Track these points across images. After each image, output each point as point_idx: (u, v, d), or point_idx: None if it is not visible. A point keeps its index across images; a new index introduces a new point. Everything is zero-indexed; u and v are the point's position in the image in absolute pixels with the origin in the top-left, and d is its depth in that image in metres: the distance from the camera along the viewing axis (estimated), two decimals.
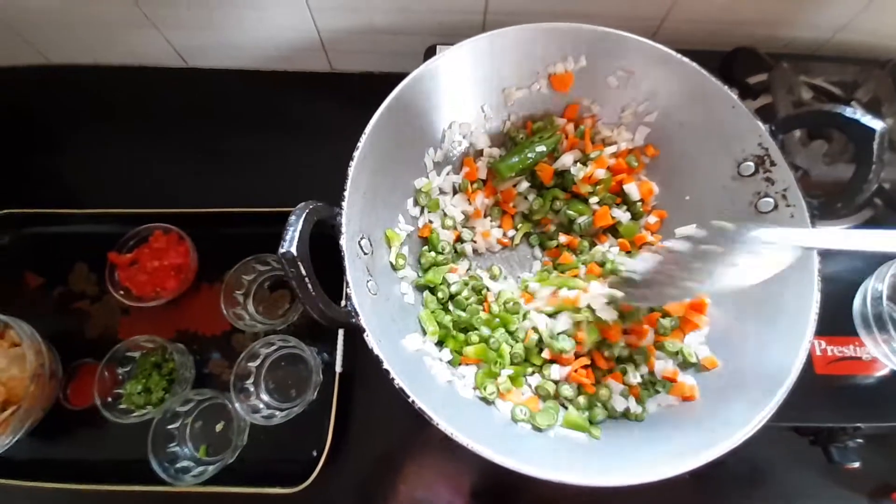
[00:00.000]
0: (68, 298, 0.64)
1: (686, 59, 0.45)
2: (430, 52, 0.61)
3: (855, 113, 0.38)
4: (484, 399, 0.42)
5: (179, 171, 0.72)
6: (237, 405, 0.56)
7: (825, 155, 0.58)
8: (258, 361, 0.61)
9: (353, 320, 0.35)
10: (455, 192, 0.53)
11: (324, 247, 0.36)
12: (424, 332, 0.45)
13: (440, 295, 0.47)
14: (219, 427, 0.59)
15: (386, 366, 0.34)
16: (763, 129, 0.44)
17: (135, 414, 0.57)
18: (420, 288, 0.48)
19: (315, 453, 0.56)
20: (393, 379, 0.34)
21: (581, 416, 0.42)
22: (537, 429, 0.41)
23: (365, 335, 0.35)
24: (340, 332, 0.59)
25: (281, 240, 0.31)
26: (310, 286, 0.32)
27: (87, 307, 0.64)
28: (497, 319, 0.45)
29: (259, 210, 0.64)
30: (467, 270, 0.51)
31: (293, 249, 0.31)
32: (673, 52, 0.45)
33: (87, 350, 0.61)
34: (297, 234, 0.31)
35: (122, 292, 0.62)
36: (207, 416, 0.59)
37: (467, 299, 0.47)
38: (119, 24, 0.68)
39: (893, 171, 0.56)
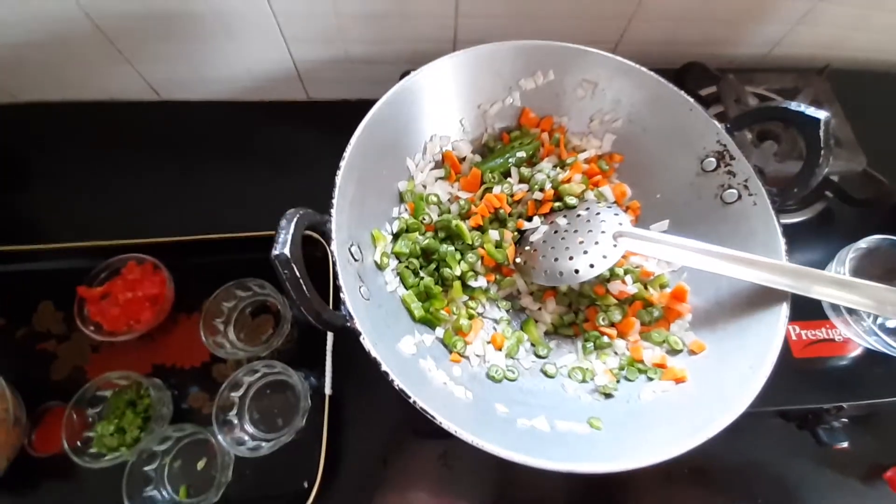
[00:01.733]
0: (32, 339, 0.61)
1: (644, 69, 0.49)
2: (404, 78, 0.64)
3: (800, 106, 0.42)
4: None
5: (153, 203, 0.70)
6: (220, 438, 0.53)
7: (775, 154, 0.63)
8: (241, 391, 0.58)
9: (349, 324, 0.35)
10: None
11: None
12: (413, 319, 0.45)
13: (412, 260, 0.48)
14: (200, 464, 0.55)
15: (385, 368, 0.34)
16: (719, 126, 0.47)
17: (107, 457, 0.53)
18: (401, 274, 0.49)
19: (306, 484, 0.53)
20: (393, 381, 0.34)
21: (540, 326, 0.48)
22: (510, 356, 0.47)
23: (361, 338, 0.35)
24: (328, 352, 0.58)
25: (273, 243, 0.31)
26: (305, 288, 0.31)
27: (54, 347, 0.60)
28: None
29: (237, 235, 0.63)
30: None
31: (286, 251, 0.30)
32: (632, 63, 0.49)
33: (53, 392, 0.57)
34: (289, 237, 0.31)
35: (92, 328, 0.59)
36: (188, 454, 0.56)
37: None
38: (90, 61, 0.68)
39: (841, 165, 0.62)
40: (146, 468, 0.53)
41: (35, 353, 0.60)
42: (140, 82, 0.72)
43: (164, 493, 0.54)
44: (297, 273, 0.31)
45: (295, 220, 0.33)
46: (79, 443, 0.54)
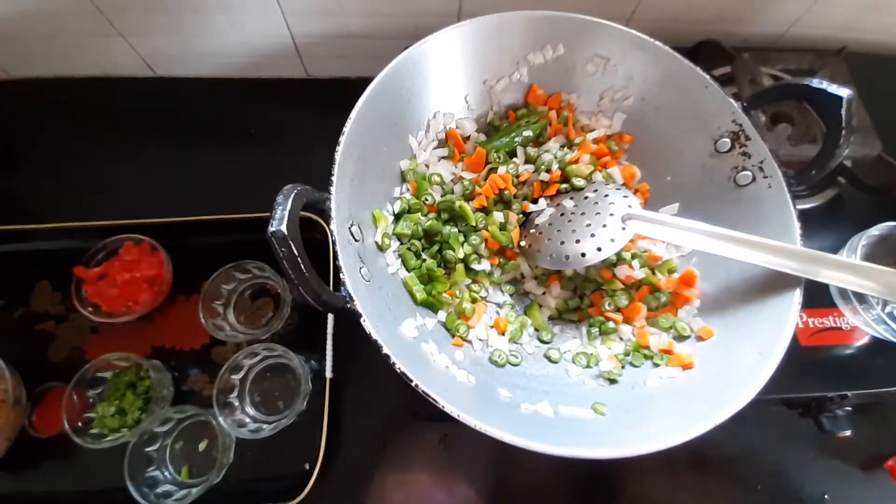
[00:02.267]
0: (31, 320, 0.60)
1: (659, 44, 0.47)
2: None
3: (821, 83, 0.40)
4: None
5: (149, 181, 0.69)
6: (221, 420, 0.53)
7: (789, 137, 0.61)
8: (242, 373, 0.58)
9: (349, 305, 0.34)
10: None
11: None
12: (415, 302, 0.44)
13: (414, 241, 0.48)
14: (202, 446, 0.55)
15: (385, 350, 0.33)
16: (735, 105, 0.46)
17: (108, 438, 0.53)
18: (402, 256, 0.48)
19: (307, 466, 0.53)
20: (394, 364, 0.33)
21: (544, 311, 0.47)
22: (513, 341, 0.46)
23: (362, 320, 0.34)
24: (329, 336, 0.57)
25: (269, 220, 0.30)
26: (303, 266, 0.30)
27: (52, 328, 0.60)
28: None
29: (236, 217, 0.62)
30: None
31: (283, 228, 0.29)
32: (647, 37, 0.47)
33: (53, 373, 0.57)
34: (286, 213, 0.30)
35: (90, 309, 0.58)
36: (189, 436, 0.55)
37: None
38: (83, 34, 0.66)
39: (855, 150, 0.60)
40: (147, 449, 0.53)
41: (33, 333, 0.59)
42: (134, 57, 0.70)
43: (166, 473, 0.54)
44: (295, 251, 0.30)
45: (292, 196, 0.31)
46: (80, 423, 0.53)
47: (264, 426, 0.55)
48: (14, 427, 0.53)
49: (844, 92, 0.38)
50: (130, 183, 0.68)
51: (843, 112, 0.38)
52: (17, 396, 0.53)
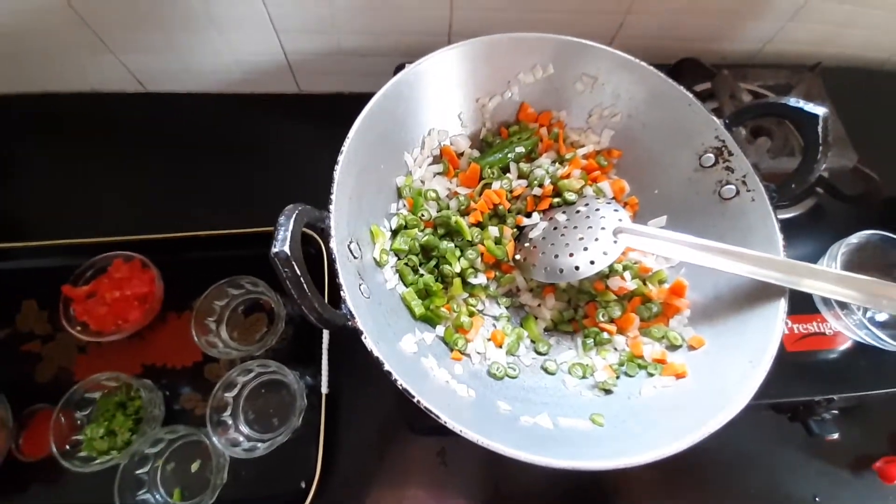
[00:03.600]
0: (16, 340, 0.59)
1: (644, 64, 0.49)
2: (399, 71, 0.62)
3: (798, 102, 0.42)
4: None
5: (139, 198, 0.68)
6: (214, 439, 0.52)
7: (769, 151, 0.64)
8: (235, 391, 0.57)
9: (350, 323, 0.34)
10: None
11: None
12: (414, 317, 0.44)
13: (411, 256, 0.48)
14: (194, 467, 0.54)
15: (387, 367, 0.33)
16: (718, 122, 0.47)
17: (98, 461, 0.52)
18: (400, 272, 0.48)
19: (304, 484, 0.52)
20: (396, 381, 0.33)
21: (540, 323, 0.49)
22: (510, 353, 0.47)
23: (363, 338, 0.34)
24: (324, 350, 0.57)
25: (272, 240, 0.30)
26: (306, 286, 0.30)
27: (38, 348, 0.59)
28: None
29: (228, 232, 0.61)
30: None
31: (286, 249, 0.29)
32: (633, 58, 0.49)
33: (40, 395, 0.55)
34: (289, 234, 0.30)
35: (78, 328, 0.57)
36: (181, 456, 0.55)
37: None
38: (73, 51, 0.66)
39: (832, 161, 0.63)
40: (138, 471, 0.52)
41: (19, 354, 0.58)
42: (124, 73, 0.70)
43: (158, 496, 0.52)
44: (298, 271, 0.30)
45: (294, 216, 0.32)
46: (68, 446, 0.52)
47: (259, 444, 0.54)
48: (1, 451, 0.51)
49: (820, 110, 0.40)
50: (121, 199, 0.68)
51: (820, 129, 0.40)
52: (3, 419, 0.52)
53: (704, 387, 0.40)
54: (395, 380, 0.33)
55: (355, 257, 0.40)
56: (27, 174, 0.69)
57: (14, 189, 0.68)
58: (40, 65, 0.68)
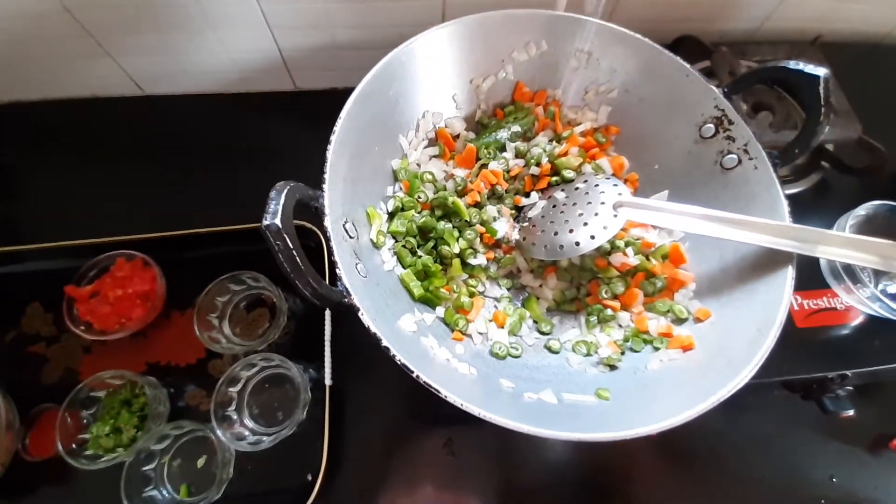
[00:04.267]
0: (22, 342, 0.59)
1: (640, 36, 0.48)
2: None
3: (798, 64, 0.41)
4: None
5: (140, 199, 0.68)
6: (220, 434, 0.52)
7: (771, 125, 0.62)
8: (239, 385, 0.57)
9: (346, 300, 0.34)
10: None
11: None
12: (413, 298, 0.44)
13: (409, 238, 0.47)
14: (200, 462, 0.54)
15: (385, 343, 0.33)
16: (717, 91, 0.47)
17: (104, 459, 0.51)
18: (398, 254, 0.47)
19: (310, 477, 0.52)
20: (394, 356, 0.33)
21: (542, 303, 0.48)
22: (513, 333, 0.46)
23: (360, 314, 0.33)
24: (327, 342, 0.57)
25: (263, 214, 0.30)
26: (299, 260, 0.30)
27: (44, 349, 0.59)
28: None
29: (229, 228, 0.61)
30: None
31: (277, 221, 0.29)
32: (627, 31, 0.48)
33: (46, 395, 0.55)
34: (280, 207, 0.30)
35: (82, 328, 0.57)
36: (187, 452, 0.54)
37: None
38: (71, 56, 0.66)
39: (836, 133, 0.61)
40: (145, 468, 0.52)
41: (25, 356, 0.58)
42: (122, 76, 0.71)
43: (165, 492, 0.52)
44: (290, 244, 0.30)
45: (285, 191, 0.31)
46: (74, 445, 0.52)
47: (264, 438, 0.54)
48: (8, 451, 0.51)
49: (821, 71, 0.39)
50: (121, 202, 0.68)
51: (822, 90, 0.39)
52: (10, 420, 0.52)
53: (713, 357, 0.39)
54: (394, 355, 0.33)
55: (351, 237, 0.40)
56: (30, 180, 0.70)
57: (18, 194, 0.69)
58: (41, 72, 0.69)
